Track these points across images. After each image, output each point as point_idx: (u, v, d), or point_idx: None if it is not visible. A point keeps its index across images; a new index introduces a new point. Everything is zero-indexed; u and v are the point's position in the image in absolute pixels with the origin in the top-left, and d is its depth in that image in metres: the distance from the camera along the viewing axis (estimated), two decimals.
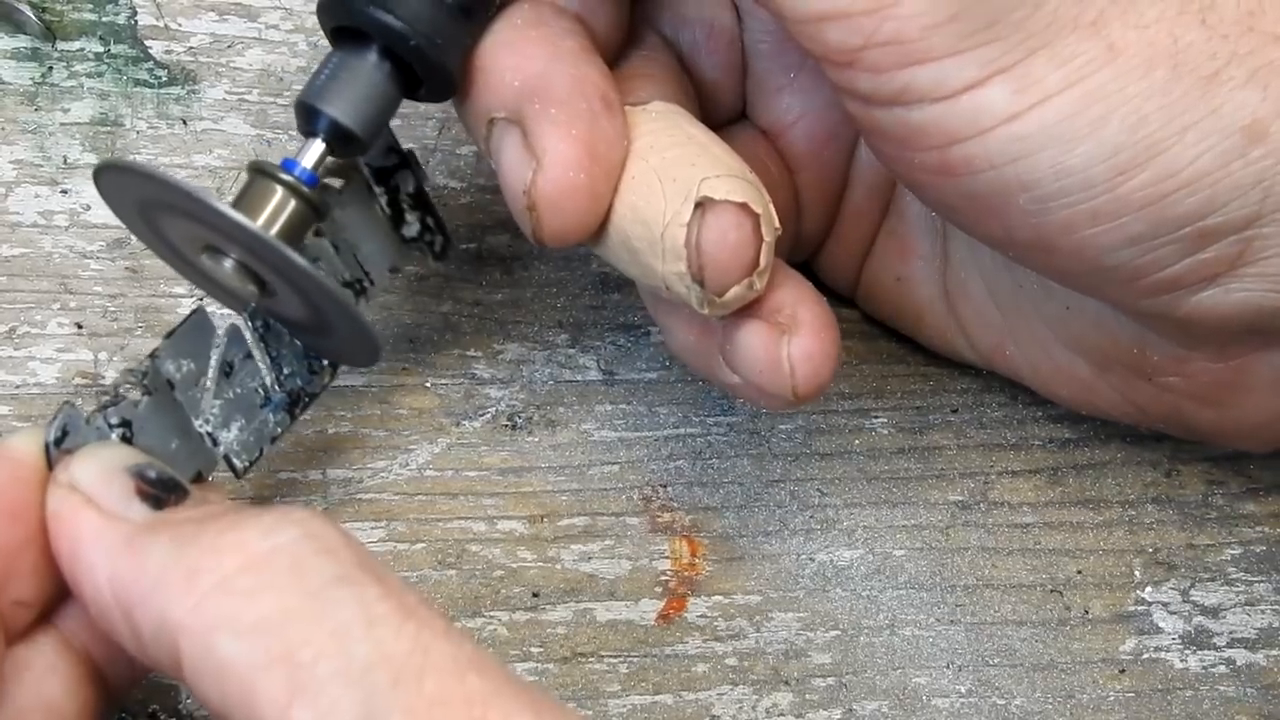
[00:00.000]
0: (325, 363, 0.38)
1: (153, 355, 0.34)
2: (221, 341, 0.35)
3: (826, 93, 0.39)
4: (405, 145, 0.38)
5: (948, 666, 0.41)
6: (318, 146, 0.35)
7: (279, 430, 0.37)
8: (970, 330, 0.42)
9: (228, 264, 0.35)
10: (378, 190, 0.38)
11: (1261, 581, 0.43)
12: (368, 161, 0.37)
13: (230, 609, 0.28)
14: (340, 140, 0.35)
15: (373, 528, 0.40)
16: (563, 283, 0.44)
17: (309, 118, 0.35)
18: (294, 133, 0.44)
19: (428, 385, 0.42)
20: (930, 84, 0.32)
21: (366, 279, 0.38)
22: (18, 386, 0.40)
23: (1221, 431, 0.40)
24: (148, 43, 0.44)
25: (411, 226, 0.39)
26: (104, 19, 0.44)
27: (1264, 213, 0.32)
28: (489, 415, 0.42)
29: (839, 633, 0.41)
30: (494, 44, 0.35)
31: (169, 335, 0.34)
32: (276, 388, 0.36)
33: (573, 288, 0.44)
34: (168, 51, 0.44)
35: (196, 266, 0.36)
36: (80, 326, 0.41)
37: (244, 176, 0.35)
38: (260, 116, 0.44)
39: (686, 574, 0.41)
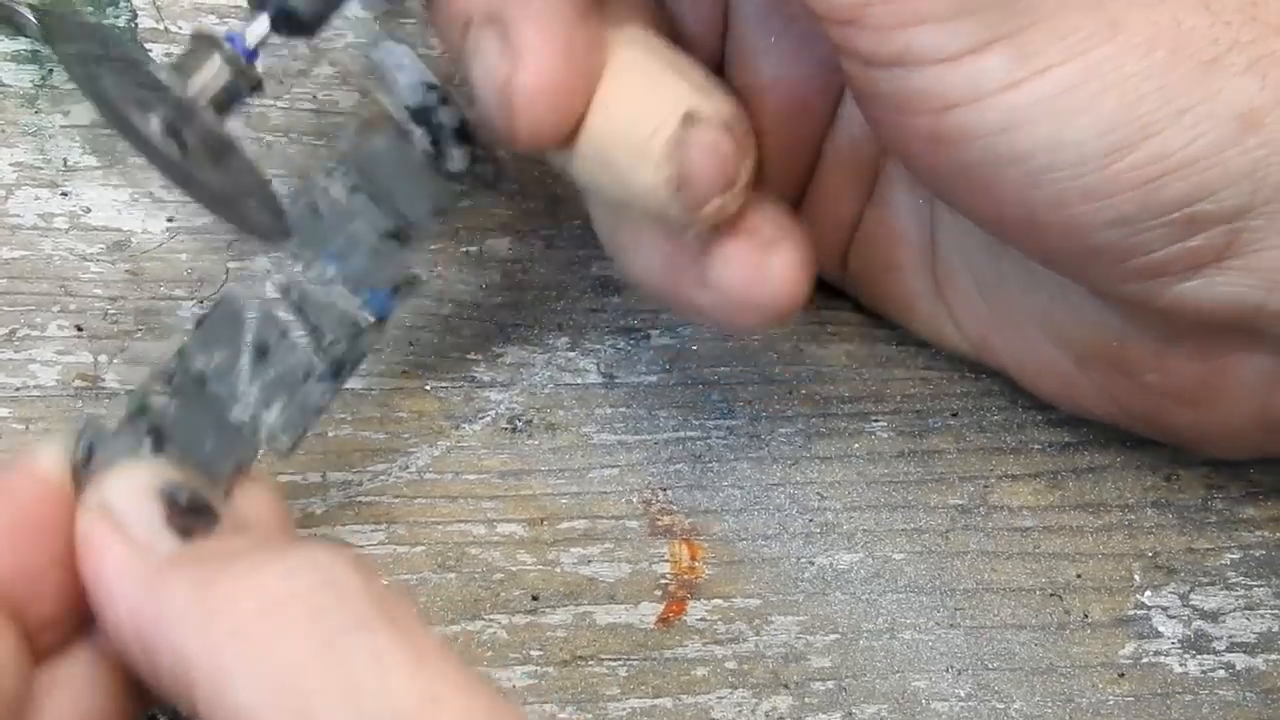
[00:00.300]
0: (371, 318, 0.36)
1: (179, 353, 0.34)
2: (254, 323, 0.35)
3: (805, 62, 0.39)
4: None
5: (947, 670, 0.41)
6: (262, 23, 0.35)
7: (324, 400, 0.35)
8: (961, 320, 0.42)
9: (154, 122, 0.35)
10: (418, 131, 0.37)
11: (1261, 586, 0.43)
12: (406, 104, 0.37)
13: (245, 655, 0.28)
14: (285, 19, 0.35)
15: (372, 531, 0.40)
16: (563, 286, 0.44)
17: None
18: (293, 135, 0.44)
19: (427, 388, 0.42)
20: (931, 46, 0.32)
21: (409, 226, 0.37)
22: (18, 389, 0.40)
23: (1199, 435, 0.40)
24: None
25: (456, 160, 0.37)
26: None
27: (1255, 204, 0.32)
28: (489, 418, 0.42)
29: (838, 636, 0.41)
30: None
31: (197, 326, 0.34)
32: (319, 359, 0.35)
33: (573, 291, 0.44)
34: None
35: (126, 119, 0.36)
36: (80, 329, 0.41)
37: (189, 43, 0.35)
38: (261, 119, 0.44)
39: (686, 577, 0.41)
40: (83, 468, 0.32)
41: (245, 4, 0.35)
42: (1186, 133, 0.32)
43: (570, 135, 0.35)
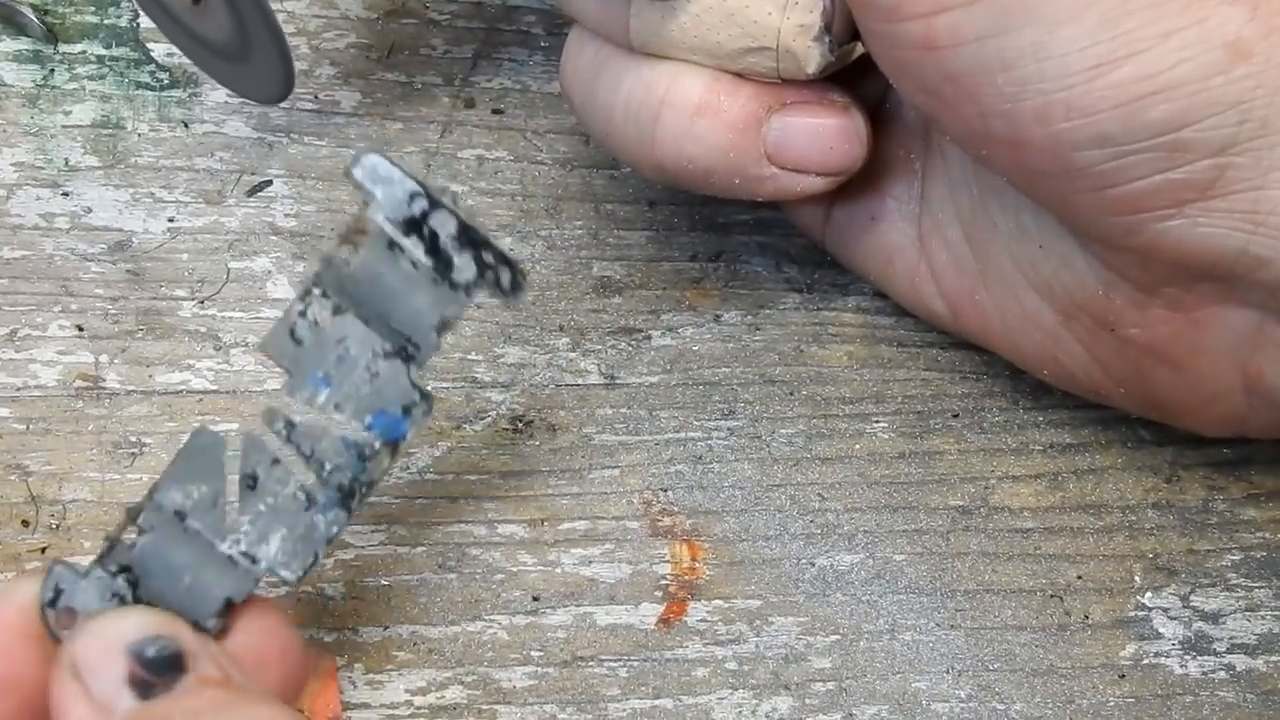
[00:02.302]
0: (379, 445, 0.34)
1: (151, 491, 0.33)
2: (241, 454, 0.33)
3: None
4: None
5: (948, 671, 0.41)
6: None
7: (334, 530, 0.34)
8: (941, 275, 0.41)
9: None
10: (408, 243, 0.34)
11: (1262, 587, 0.43)
12: (388, 216, 0.34)
13: None
14: None
15: (373, 531, 0.40)
16: (564, 286, 0.44)
17: None
18: (294, 135, 0.44)
19: (429, 389, 0.42)
20: None
21: (409, 345, 0.34)
22: (19, 389, 0.40)
23: (1180, 401, 0.40)
24: (149, 45, 0.44)
25: (465, 270, 0.34)
26: (106, 22, 0.44)
27: (1240, 139, 0.33)
28: (490, 419, 0.42)
29: (839, 637, 0.41)
30: None
31: (171, 464, 0.33)
32: (320, 487, 0.34)
33: (574, 291, 0.44)
34: (169, 54, 0.44)
35: None
36: (81, 329, 0.41)
37: None
38: (261, 120, 0.44)
39: (686, 578, 0.41)
40: (49, 608, 0.31)
41: None
42: (1172, 55, 0.32)
43: None
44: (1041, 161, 0.34)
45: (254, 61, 0.36)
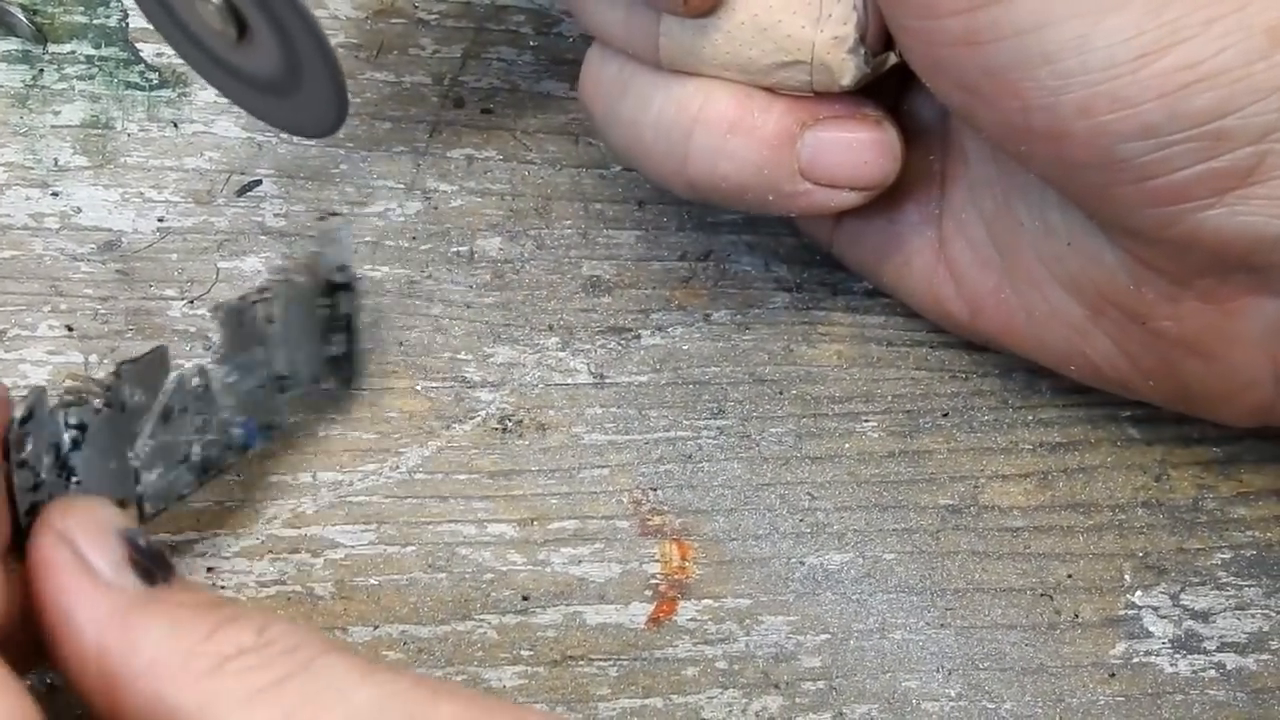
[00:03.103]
0: (238, 442, 0.38)
1: (116, 372, 0.34)
2: (170, 387, 0.35)
3: None
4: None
5: (938, 670, 0.41)
6: None
7: (185, 492, 0.37)
8: (963, 276, 0.41)
9: (211, 2, 0.34)
10: (321, 302, 0.39)
11: (1252, 586, 0.43)
12: (323, 275, 0.39)
13: (229, 685, 0.29)
14: None
15: (362, 531, 0.40)
16: (553, 286, 0.44)
17: None
18: (284, 135, 0.44)
19: (418, 388, 0.42)
20: None
21: (289, 380, 0.39)
22: (9, 389, 0.40)
23: (1208, 392, 0.39)
24: (139, 45, 0.44)
25: (333, 348, 0.40)
26: (95, 22, 0.44)
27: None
28: (479, 418, 0.42)
29: (829, 636, 0.41)
30: None
31: (131, 361, 0.35)
32: (196, 450, 0.36)
33: (563, 291, 0.44)
34: (159, 54, 0.44)
35: (169, 7, 0.35)
36: (71, 329, 0.41)
37: None
38: (251, 120, 0.44)
39: (676, 577, 0.41)
40: (16, 429, 0.32)
41: None
42: (1215, 42, 0.32)
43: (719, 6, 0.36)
44: (1083, 154, 0.34)
45: (304, 93, 0.36)
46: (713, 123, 0.38)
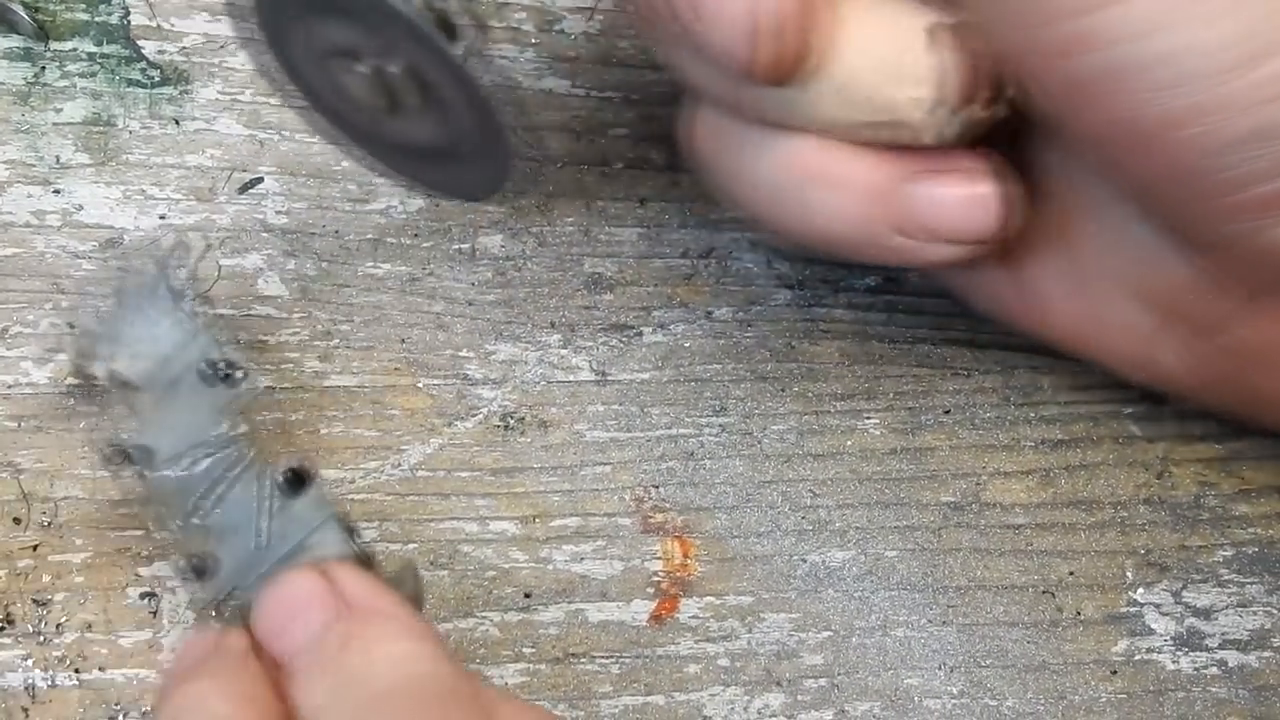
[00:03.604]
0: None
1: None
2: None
3: None
4: None
5: (940, 668, 0.41)
6: None
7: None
8: (1032, 283, 0.41)
9: (361, 69, 0.33)
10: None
11: (1254, 583, 0.43)
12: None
13: None
14: None
15: (365, 528, 0.40)
16: (555, 283, 0.44)
17: None
18: (286, 132, 0.44)
19: (420, 386, 0.42)
20: None
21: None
22: (10, 386, 0.40)
23: (1276, 400, 0.40)
24: (140, 43, 0.44)
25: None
26: (97, 19, 0.44)
27: None
28: (481, 416, 0.42)
29: (831, 634, 0.41)
30: None
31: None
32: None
33: (565, 288, 0.44)
34: (160, 51, 0.44)
35: (313, 87, 0.35)
36: (73, 326, 0.41)
37: None
38: (253, 117, 0.44)
39: (678, 575, 0.41)
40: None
41: None
42: None
43: (807, 66, 0.35)
44: (1171, 166, 0.34)
45: (466, 157, 0.35)
46: (813, 178, 0.37)
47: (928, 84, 0.35)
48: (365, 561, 0.35)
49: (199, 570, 0.35)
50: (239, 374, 0.36)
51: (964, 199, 0.37)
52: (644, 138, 0.45)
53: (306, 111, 0.37)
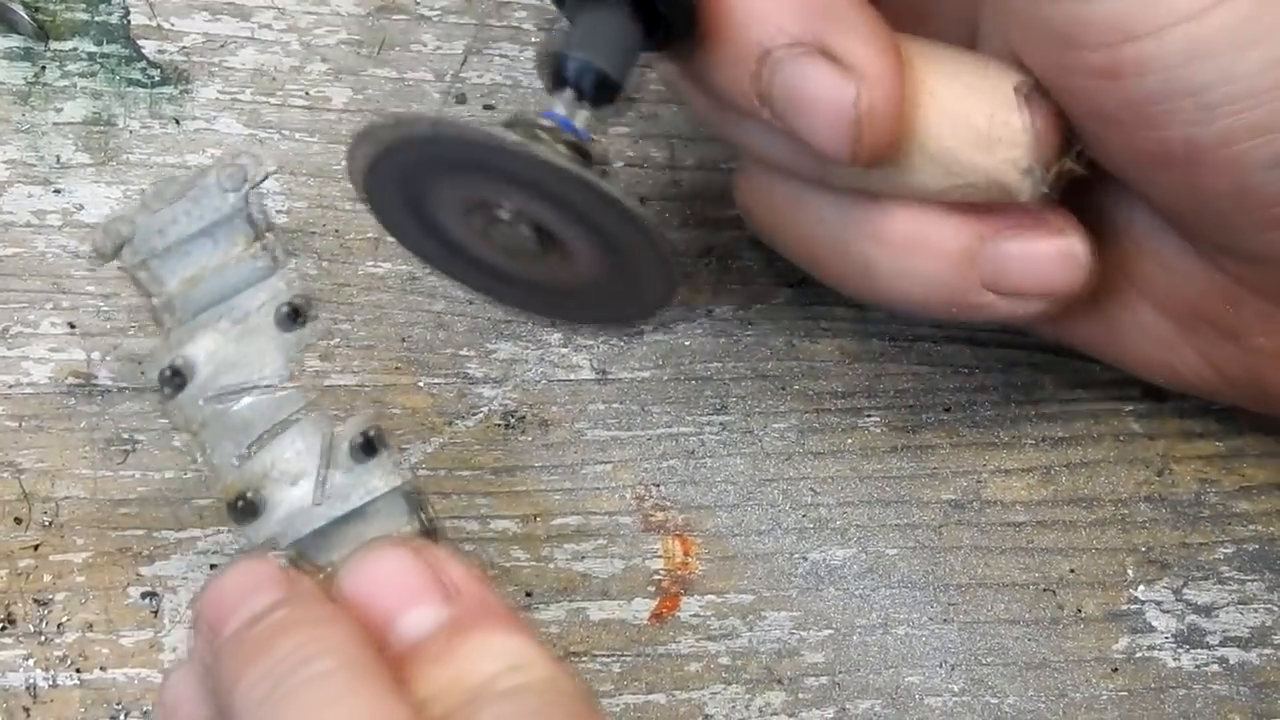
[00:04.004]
0: None
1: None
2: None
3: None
4: None
5: (940, 665, 0.41)
6: (568, 94, 0.33)
7: None
8: None
9: (505, 215, 0.33)
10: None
11: (1254, 580, 0.43)
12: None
13: None
14: (593, 84, 0.33)
15: None
16: None
17: (557, 66, 0.33)
18: (286, 132, 0.44)
19: (420, 385, 0.42)
20: None
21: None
22: (11, 386, 0.40)
23: None
24: (140, 42, 0.44)
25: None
26: (97, 18, 0.44)
27: None
28: (482, 415, 0.42)
29: (832, 632, 0.41)
30: None
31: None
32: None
33: None
34: (160, 51, 0.44)
35: (455, 243, 0.34)
36: (73, 326, 0.41)
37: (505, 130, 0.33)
38: (253, 116, 0.44)
39: (679, 573, 0.41)
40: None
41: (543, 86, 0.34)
42: None
43: (901, 147, 0.35)
44: (1217, 182, 0.34)
45: (625, 287, 0.35)
46: (892, 244, 0.37)
47: (1022, 146, 0.35)
48: (431, 536, 0.34)
49: (246, 512, 0.34)
50: (313, 315, 0.34)
51: (1056, 254, 0.37)
52: (644, 136, 0.45)
53: (452, 269, 0.37)
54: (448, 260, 0.36)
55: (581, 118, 0.33)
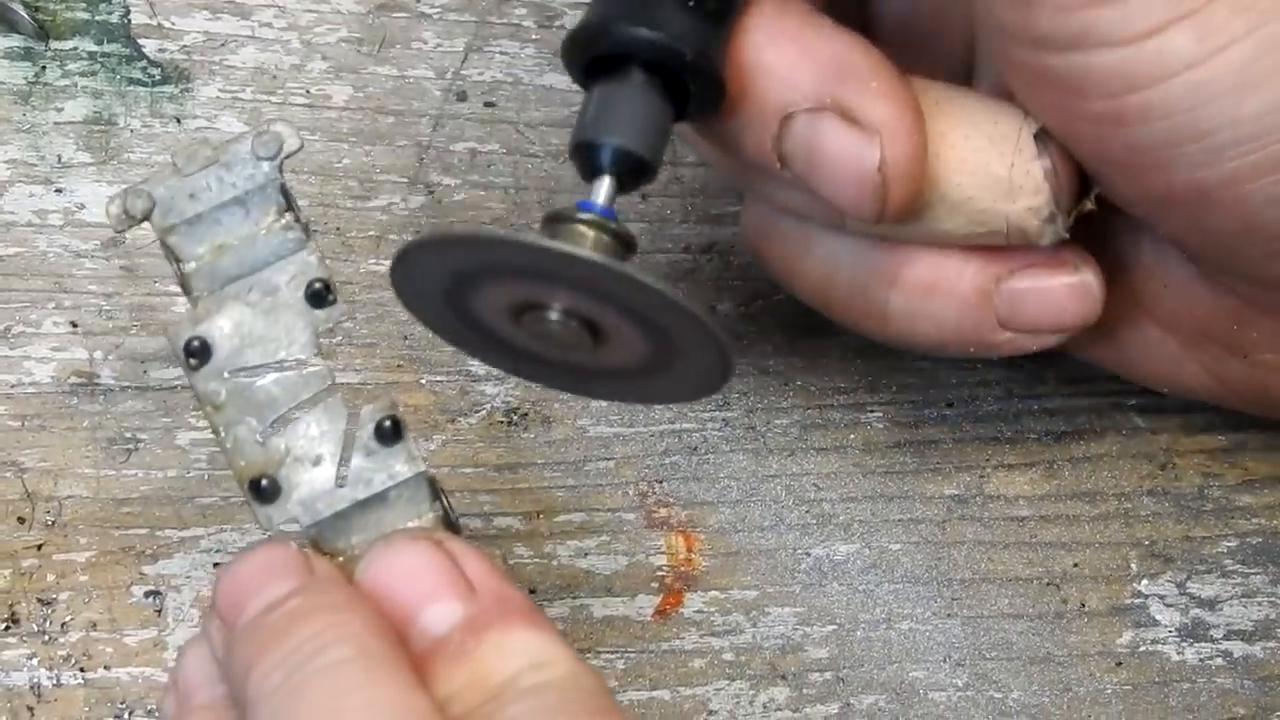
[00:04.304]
0: None
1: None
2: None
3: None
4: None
5: (944, 660, 0.41)
6: (607, 182, 0.33)
7: None
8: None
9: (554, 316, 0.33)
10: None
11: (1258, 573, 0.43)
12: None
13: None
14: (629, 169, 0.33)
15: None
16: None
17: (592, 154, 0.33)
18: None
19: (423, 382, 0.42)
20: (1113, 26, 0.32)
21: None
22: (13, 385, 0.40)
23: None
24: (141, 41, 0.44)
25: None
26: (97, 18, 0.44)
27: None
28: (484, 412, 0.42)
29: (836, 627, 0.41)
30: (763, 39, 0.34)
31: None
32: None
33: None
34: (161, 50, 0.44)
35: (504, 339, 0.34)
36: (75, 325, 0.41)
37: (540, 229, 0.33)
38: (254, 115, 0.44)
39: (683, 569, 0.41)
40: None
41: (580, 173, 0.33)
42: None
43: (922, 200, 0.35)
44: (1221, 220, 0.34)
45: (675, 367, 0.35)
46: (909, 287, 0.37)
47: (1044, 194, 0.35)
48: (451, 527, 0.33)
49: (264, 491, 0.33)
50: (334, 295, 0.33)
51: (1071, 289, 0.37)
52: None
53: (490, 358, 0.37)
54: (486, 348, 0.36)
55: (613, 199, 0.33)
